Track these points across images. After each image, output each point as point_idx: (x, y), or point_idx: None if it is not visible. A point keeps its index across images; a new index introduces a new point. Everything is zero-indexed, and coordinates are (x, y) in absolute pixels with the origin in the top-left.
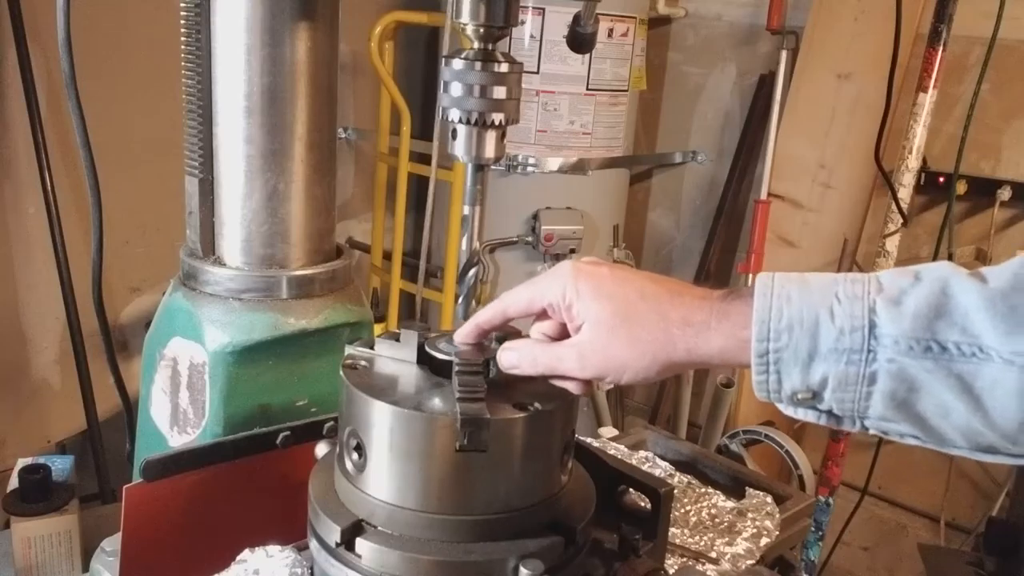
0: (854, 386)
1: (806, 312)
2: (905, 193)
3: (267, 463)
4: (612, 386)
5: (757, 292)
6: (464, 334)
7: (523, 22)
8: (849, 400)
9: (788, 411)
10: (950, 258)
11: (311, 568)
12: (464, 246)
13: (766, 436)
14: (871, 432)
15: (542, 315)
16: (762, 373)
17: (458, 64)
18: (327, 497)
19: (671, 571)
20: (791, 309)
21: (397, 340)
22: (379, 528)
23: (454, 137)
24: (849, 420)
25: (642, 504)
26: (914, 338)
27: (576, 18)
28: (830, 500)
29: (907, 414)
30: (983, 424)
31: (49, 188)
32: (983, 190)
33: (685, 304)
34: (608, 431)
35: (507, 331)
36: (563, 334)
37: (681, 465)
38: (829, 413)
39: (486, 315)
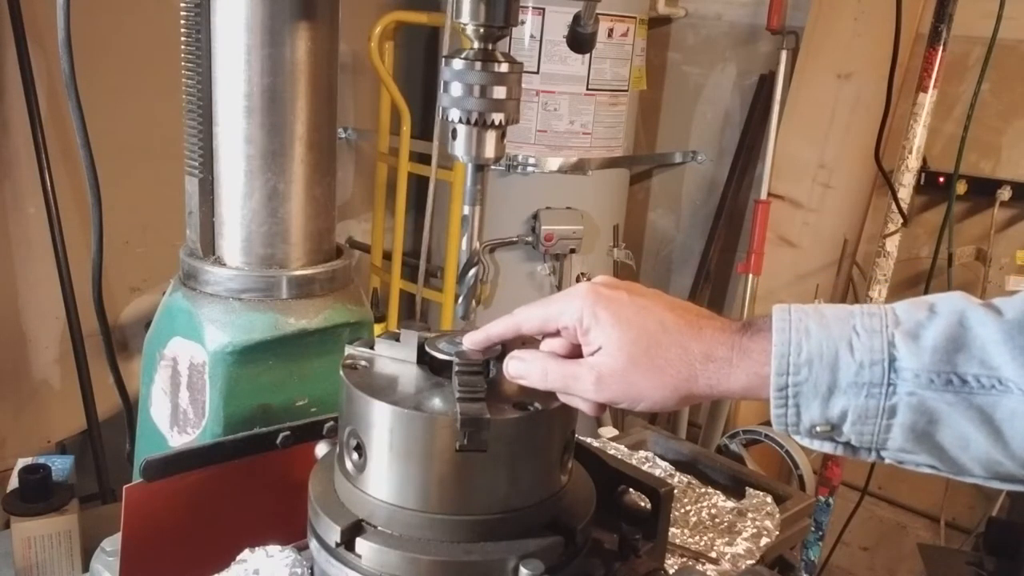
0: (874, 419)
1: (825, 346)
2: (905, 193)
3: (267, 463)
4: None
5: (775, 327)
6: (473, 340)
7: (523, 22)
8: (869, 433)
9: (805, 442)
10: (950, 258)
11: (311, 568)
12: (464, 246)
13: (766, 436)
14: (887, 462)
15: (554, 334)
16: (781, 407)
17: (458, 64)
18: (327, 497)
19: (671, 571)
20: (810, 343)
21: (397, 340)
22: (379, 528)
23: (454, 137)
24: (866, 451)
25: (642, 504)
26: (934, 372)
27: (576, 18)
28: (830, 500)
29: (927, 445)
30: (1003, 454)
31: (49, 188)
32: (983, 190)
33: (706, 338)
34: (608, 431)
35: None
36: (574, 353)
37: (681, 465)
38: (847, 445)
39: (498, 328)
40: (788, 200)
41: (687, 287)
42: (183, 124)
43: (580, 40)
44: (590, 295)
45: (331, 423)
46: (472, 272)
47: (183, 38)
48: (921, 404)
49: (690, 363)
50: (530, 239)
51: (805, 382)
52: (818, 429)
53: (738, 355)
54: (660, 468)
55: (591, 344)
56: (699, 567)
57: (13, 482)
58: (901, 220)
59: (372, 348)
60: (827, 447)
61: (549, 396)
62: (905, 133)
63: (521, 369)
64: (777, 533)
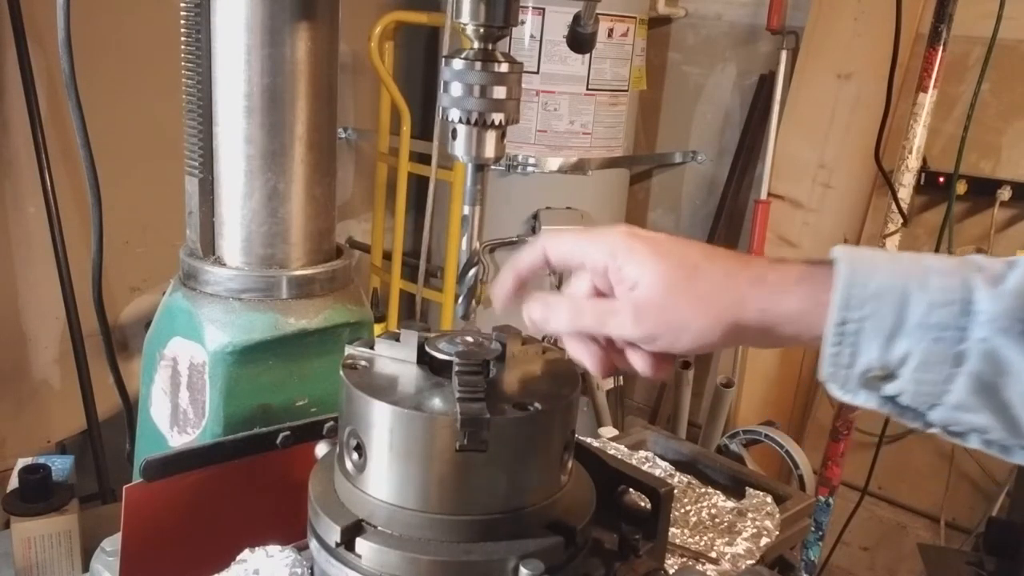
0: (938, 366)
1: (896, 281)
2: (905, 193)
3: (267, 463)
4: (673, 362)
5: (840, 256)
6: (502, 286)
7: (523, 22)
8: (929, 382)
9: (848, 396)
10: None
11: (311, 568)
12: (464, 246)
13: (766, 436)
14: (931, 430)
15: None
16: (837, 344)
17: (458, 64)
18: (327, 497)
19: (671, 571)
20: (879, 277)
21: (397, 340)
22: (379, 528)
23: (454, 137)
24: (913, 413)
25: (642, 504)
26: (1015, 318)
27: (576, 18)
28: (830, 500)
29: (990, 401)
30: None
31: (49, 188)
32: (983, 190)
33: (756, 264)
34: (608, 431)
35: (506, 330)
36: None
37: (681, 465)
38: (892, 401)
39: (524, 260)
40: (788, 200)
41: None
42: (183, 124)
43: (580, 40)
44: (624, 232)
45: (331, 423)
46: (472, 272)
47: (183, 38)
48: (992, 352)
49: (737, 287)
50: (530, 239)
51: (869, 318)
52: (872, 375)
53: (795, 279)
54: (660, 468)
55: (625, 280)
56: (699, 567)
57: (13, 482)
58: (901, 220)
59: (372, 348)
60: (872, 402)
61: (550, 396)
62: (905, 133)
63: (546, 311)
64: (777, 533)
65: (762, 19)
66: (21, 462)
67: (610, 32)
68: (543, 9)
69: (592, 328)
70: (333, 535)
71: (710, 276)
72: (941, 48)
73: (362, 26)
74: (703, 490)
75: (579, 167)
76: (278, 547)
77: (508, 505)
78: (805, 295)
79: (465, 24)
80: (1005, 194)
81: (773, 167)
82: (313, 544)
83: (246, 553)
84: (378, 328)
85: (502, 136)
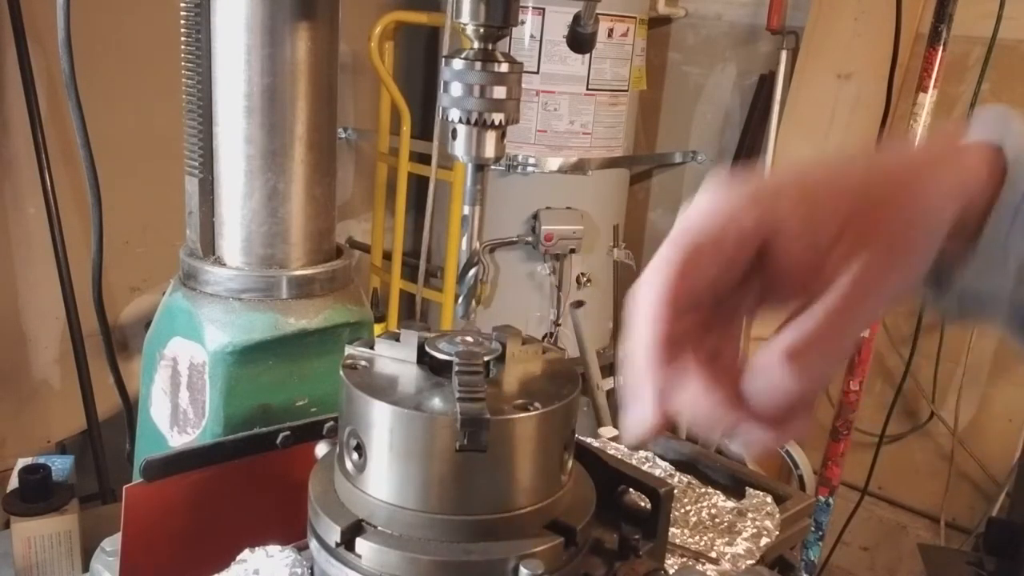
0: None
1: None
2: None
3: (267, 463)
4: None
5: (984, 121)
6: (646, 343)
7: (523, 22)
8: None
9: (985, 309)
10: None
11: (311, 568)
12: (464, 246)
13: None
14: None
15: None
16: (1003, 229)
17: (458, 64)
18: (327, 497)
19: (671, 571)
20: None
21: (397, 340)
22: (379, 528)
23: (454, 137)
24: None
25: (642, 504)
26: None
27: (576, 18)
28: (830, 500)
29: None
30: None
31: (49, 188)
32: None
33: (894, 148)
34: (608, 431)
35: (506, 330)
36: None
37: (681, 465)
38: None
39: (649, 296)
40: None
41: None
42: (183, 124)
43: (580, 40)
44: (757, 180)
45: (331, 423)
46: (472, 272)
47: (183, 38)
48: None
49: (896, 171)
50: (530, 239)
51: None
52: None
53: (951, 151)
54: (660, 468)
55: (816, 231)
56: (699, 567)
57: (13, 482)
58: None
59: (372, 348)
60: (998, 317)
61: (550, 396)
62: (905, 133)
63: (808, 343)
64: (777, 533)
65: (762, 19)
66: (21, 462)
67: (610, 32)
68: (543, 9)
69: (876, 308)
70: (333, 535)
71: (863, 166)
72: (941, 48)
73: (362, 26)
74: (703, 490)
75: (579, 167)
76: (278, 547)
77: (508, 505)
78: (957, 169)
79: (465, 24)
80: None
81: (773, 167)
82: (313, 544)
83: (246, 553)
84: (378, 328)
85: (502, 136)
